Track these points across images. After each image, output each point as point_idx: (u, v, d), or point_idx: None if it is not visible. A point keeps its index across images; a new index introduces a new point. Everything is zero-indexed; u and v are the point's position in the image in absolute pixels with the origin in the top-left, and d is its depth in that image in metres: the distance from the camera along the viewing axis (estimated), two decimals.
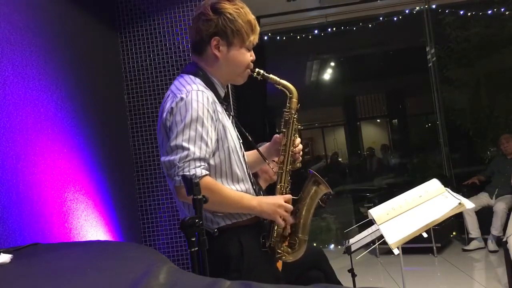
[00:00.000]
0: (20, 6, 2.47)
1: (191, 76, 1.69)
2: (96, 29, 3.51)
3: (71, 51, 3.00)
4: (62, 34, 2.93)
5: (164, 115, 1.63)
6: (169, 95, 1.67)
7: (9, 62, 2.29)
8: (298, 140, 1.82)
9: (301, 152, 1.83)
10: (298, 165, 1.81)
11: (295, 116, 1.79)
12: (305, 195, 1.79)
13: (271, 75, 1.77)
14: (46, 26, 2.74)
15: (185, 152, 1.55)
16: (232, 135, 1.71)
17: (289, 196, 1.74)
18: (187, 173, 1.53)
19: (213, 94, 1.67)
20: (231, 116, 1.79)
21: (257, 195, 1.78)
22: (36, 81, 2.54)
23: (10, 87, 2.27)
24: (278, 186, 1.77)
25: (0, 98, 2.18)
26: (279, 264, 2.99)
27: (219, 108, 1.67)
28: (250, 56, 1.75)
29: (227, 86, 1.83)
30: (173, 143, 1.57)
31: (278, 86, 1.79)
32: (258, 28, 1.74)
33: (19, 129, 2.29)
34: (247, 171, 1.77)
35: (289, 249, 1.77)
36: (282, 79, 1.79)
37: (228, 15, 1.66)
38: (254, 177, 1.90)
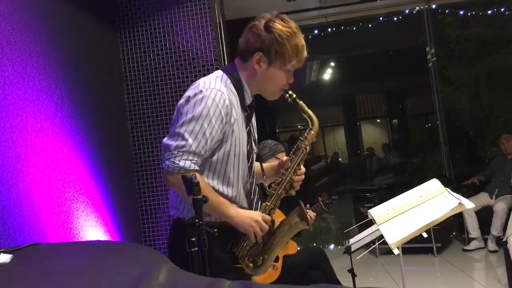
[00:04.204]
0: (20, 6, 2.47)
1: (224, 76, 1.75)
2: (96, 29, 3.51)
3: (71, 51, 3.00)
4: (62, 34, 2.93)
5: (182, 100, 1.71)
6: (195, 83, 1.74)
7: (9, 62, 2.29)
8: (303, 170, 1.84)
9: (300, 182, 1.84)
10: (293, 193, 1.82)
11: (307, 148, 1.81)
12: (286, 222, 1.82)
13: (300, 102, 1.80)
14: (46, 26, 2.74)
15: (183, 142, 1.63)
16: (241, 141, 1.74)
17: (268, 217, 1.76)
18: (177, 162, 1.62)
19: (237, 98, 1.73)
20: (250, 126, 1.82)
21: (250, 206, 1.80)
22: (36, 81, 2.54)
23: (10, 87, 2.27)
24: (264, 204, 1.79)
25: (0, 98, 2.18)
26: (279, 264, 3.00)
27: (235, 113, 1.71)
28: (288, 79, 1.78)
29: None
30: (177, 130, 1.66)
31: (304, 114, 1.82)
32: (304, 54, 1.76)
33: (19, 129, 2.29)
34: (246, 180, 1.79)
35: (251, 265, 1.78)
36: (309, 109, 1.82)
37: (277, 36, 1.70)
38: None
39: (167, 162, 1.64)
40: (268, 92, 1.82)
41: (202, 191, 1.59)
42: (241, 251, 1.75)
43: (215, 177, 1.73)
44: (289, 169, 1.80)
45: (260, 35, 1.72)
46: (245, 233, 1.73)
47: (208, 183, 1.71)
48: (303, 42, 1.76)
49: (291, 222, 1.81)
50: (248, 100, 1.79)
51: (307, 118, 1.82)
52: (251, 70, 1.76)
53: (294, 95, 1.79)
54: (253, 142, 1.85)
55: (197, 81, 1.75)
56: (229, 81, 1.74)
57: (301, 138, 1.82)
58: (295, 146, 1.82)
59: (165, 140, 1.68)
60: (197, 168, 1.65)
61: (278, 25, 1.71)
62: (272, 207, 1.79)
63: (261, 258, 1.78)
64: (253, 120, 1.89)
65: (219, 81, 1.71)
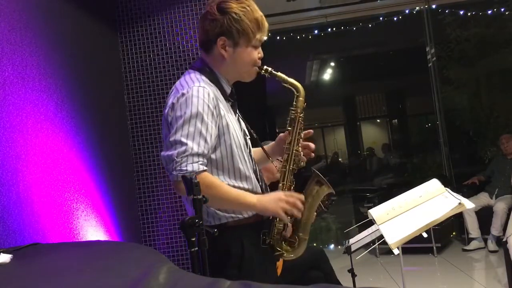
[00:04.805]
0: (20, 6, 2.47)
1: (197, 73, 1.70)
2: (96, 29, 3.51)
3: (71, 51, 3.00)
4: (62, 34, 2.93)
5: (166, 110, 1.66)
6: (172, 90, 1.70)
7: (9, 62, 2.29)
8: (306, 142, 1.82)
9: (307, 150, 1.82)
10: (302, 164, 1.80)
11: (301, 115, 1.78)
12: (308, 194, 1.78)
13: (278, 73, 1.77)
14: (46, 26, 2.74)
15: (183, 147, 1.57)
16: (237, 131, 1.72)
17: (290, 192, 1.73)
18: (184, 168, 1.55)
19: (217, 91, 1.69)
20: (237, 114, 1.80)
21: (263, 192, 1.78)
22: (36, 81, 2.54)
23: (10, 87, 2.27)
24: (280, 185, 1.76)
25: (0, 98, 2.18)
26: (280, 264, 3.00)
27: (222, 104, 1.68)
28: (257, 53, 1.75)
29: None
30: (172, 139, 1.60)
31: (285, 85, 1.79)
32: (266, 25, 1.74)
33: (19, 129, 2.29)
34: (253, 168, 1.77)
35: (289, 248, 1.77)
36: (290, 77, 1.79)
37: (234, 15, 1.66)
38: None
39: (174, 173, 1.56)
40: (244, 73, 1.78)
41: (218, 187, 1.60)
42: (274, 238, 1.72)
43: (225, 174, 1.68)
44: (291, 141, 1.77)
45: (217, 19, 1.67)
46: (275, 215, 1.68)
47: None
48: (261, 13, 1.73)
49: (312, 193, 1.78)
50: (228, 89, 1.77)
51: (290, 87, 1.79)
52: (218, 58, 1.72)
53: (270, 69, 1.76)
54: (245, 129, 1.83)
55: (173, 87, 1.71)
56: (203, 76, 1.70)
57: (292, 108, 1.78)
58: (289, 118, 1.79)
59: (164, 153, 1.62)
60: (205, 168, 1.60)
61: (232, 4, 1.67)
62: (289, 184, 1.76)
63: (296, 237, 1.76)
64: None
65: (195, 79, 1.67)
